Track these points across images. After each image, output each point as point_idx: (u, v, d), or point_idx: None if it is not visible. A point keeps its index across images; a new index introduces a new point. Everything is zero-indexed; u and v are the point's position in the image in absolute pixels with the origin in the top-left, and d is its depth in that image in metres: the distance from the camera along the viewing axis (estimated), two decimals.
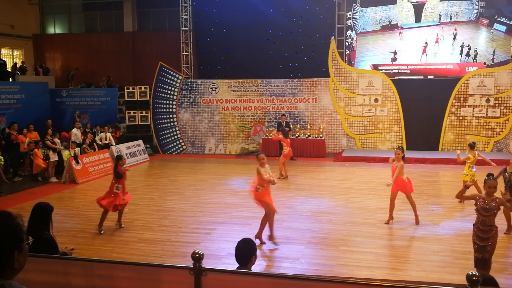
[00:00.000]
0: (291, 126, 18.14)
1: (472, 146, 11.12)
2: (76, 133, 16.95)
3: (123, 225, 9.49)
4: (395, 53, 18.61)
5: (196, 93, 19.77)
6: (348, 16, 18.94)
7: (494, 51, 17.85)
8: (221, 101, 19.68)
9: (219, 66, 20.98)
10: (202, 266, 3.09)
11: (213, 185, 13.30)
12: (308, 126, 18.79)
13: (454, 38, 18.06)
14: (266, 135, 18.72)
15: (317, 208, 10.79)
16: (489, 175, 6.57)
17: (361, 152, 18.07)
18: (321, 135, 18.49)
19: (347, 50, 19.11)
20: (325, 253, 8.07)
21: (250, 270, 4.02)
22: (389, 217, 9.47)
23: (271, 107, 19.41)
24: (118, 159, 9.46)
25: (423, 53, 18.37)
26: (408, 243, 8.40)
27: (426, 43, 18.27)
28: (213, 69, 21.12)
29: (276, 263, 7.49)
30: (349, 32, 19.03)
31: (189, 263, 3.10)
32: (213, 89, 19.70)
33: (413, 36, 18.47)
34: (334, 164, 16.86)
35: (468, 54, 18.01)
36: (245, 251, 4.06)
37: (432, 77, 18.39)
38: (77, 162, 14.42)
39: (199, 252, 3.12)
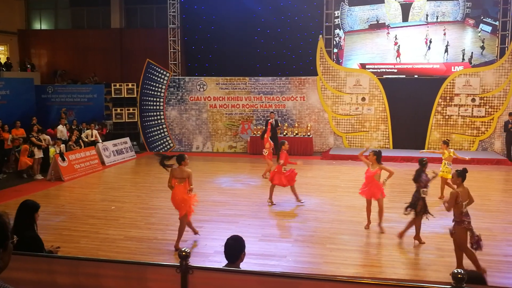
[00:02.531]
0: (280, 124, 18.18)
1: (446, 143, 11.37)
2: (62, 130, 16.81)
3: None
4: (398, 49, 18.64)
5: (183, 91, 19.70)
6: (336, 15, 19.00)
7: (482, 51, 18.05)
8: (209, 98, 19.63)
9: (207, 63, 20.93)
10: (189, 264, 3.08)
11: (201, 183, 13.25)
12: (296, 124, 18.84)
13: (443, 37, 18.20)
14: (254, 133, 18.72)
15: (304, 206, 10.82)
16: (457, 171, 6.95)
17: (348, 150, 18.15)
18: (308, 133, 18.54)
19: (335, 48, 19.17)
20: (312, 250, 8.10)
21: (239, 267, 4.02)
22: (368, 222, 9.23)
23: (259, 105, 19.41)
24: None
25: (398, 56, 18.50)
26: (394, 241, 8.46)
27: (399, 45, 18.39)
28: (201, 67, 21.06)
29: (263, 261, 7.50)
30: (337, 31, 19.10)
31: (176, 261, 3.09)
32: (201, 86, 19.65)
33: (400, 35, 18.58)
34: (322, 162, 16.91)
35: (454, 54, 18.17)
36: (234, 248, 4.06)
37: (418, 76, 18.53)
38: (63, 159, 14.28)
39: (186, 250, 3.12)
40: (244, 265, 4.10)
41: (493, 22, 17.84)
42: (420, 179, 8.32)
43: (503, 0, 17.62)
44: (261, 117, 19.33)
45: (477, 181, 12.79)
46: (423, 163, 8.52)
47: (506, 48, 17.54)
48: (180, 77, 20.10)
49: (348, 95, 18.70)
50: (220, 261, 4.41)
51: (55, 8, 25.62)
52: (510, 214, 10.27)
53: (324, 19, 19.14)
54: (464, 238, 6.62)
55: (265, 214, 10.20)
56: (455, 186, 7.01)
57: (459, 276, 2.61)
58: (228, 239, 4.11)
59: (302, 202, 11.06)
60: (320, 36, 18.87)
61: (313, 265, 7.45)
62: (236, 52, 20.02)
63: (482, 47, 18.04)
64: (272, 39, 19.86)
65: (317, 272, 7.05)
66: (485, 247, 6.56)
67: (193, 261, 3.17)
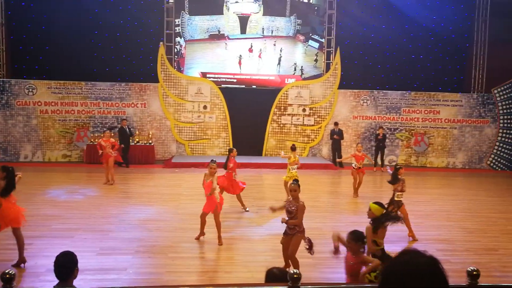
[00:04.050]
0: (133, 132, 17.70)
1: (293, 148, 12.18)
2: None
3: None
4: (240, 58, 19.20)
5: (9, 94, 17.79)
6: (177, 23, 19.01)
7: (315, 64, 19.68)
8: (39, 103, 18.04)
9: (37, 65, 19.10)
10: (15, 287, 2.73)
11: (30, 196, 12.06)
12: (137, 132, 18.32)
13: (280, 51, 19.38)
14: (91, 141, 17.72)
15: (146, 216, 10.54)
16: (295, 180, 7.23)
17: (191, 158, 18.25)
18: (150, 141, 18.18)
19: (176, 56, 19.16)
20: (154, 261, 7.91)
21: (72, 284, 3.74)
22: (200, 233, 8.94)
23: (96, 111, 18.44)
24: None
25: (239, 65, 19.33)
26: (235, 246, 8.69)
27: (241, 55, 19.25)
28: (30, 69, 19.14)
29: (101, 276, 7.08)
30: (178, 39, 19.11)
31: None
32: (30, 90, 17.98)
33: (239, 46, 19.33)
34: (164, 171, 16.72)
35: (287, 67, 19.53)
36: (65, 264, 3.76)
37: (256, 87, 19.49)
38: None
39: (10, 272, 2.76)
40: (79, 282, 3.81)
41: (320, 39, 19.62)
42: (397, 182, 9.09)
43: (328, 20, 19.49)
44: (98, 124, 18.39)
45: (308, 184, 13.83)
46: (397, 167, 9.41)
47: (331, 63, 19.40)
48: (4, 79, 18.11)
49: (190, 103, 18.82)
50: (52, 280, 4.03)
51: None
52: (337, 214, 11.32)
53: (165, 26, 18.99)
54: (298, 246, 6.98)
55: (104, 227, 9.68)
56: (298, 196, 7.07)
57: (295, 276, 2.73)
58: (57, 256, 3.80)
59: (247, 210, 11.14)
60: (161, 43, 18.68)
61: (155, 276, 7.27)
62: (71, 55, 18.66)
63: (316, 60, 19.69)
64: (111, 43, 18.98)
65: (159, 283, 6.90)
66: (317, 245, 7.08)
67: (23, 282, 2.82)
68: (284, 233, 7.11)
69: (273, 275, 3.99)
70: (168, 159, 18.31)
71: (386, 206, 8.90)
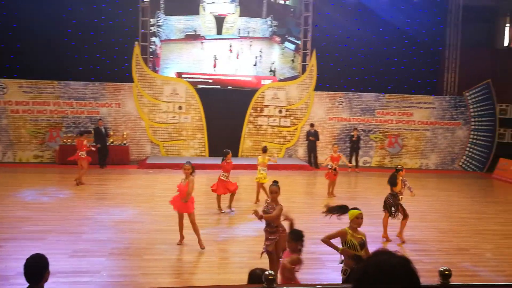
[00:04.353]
0: (108, 132, 17.44)
1: (264, 150, 12.17)
2: None
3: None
4: (215, 60, 19.11)
5: None
6: (152, 23, 18.84)
7: (292, 65, 19.75)
8: (10, 103, 17.63)
9: (8, 64, 18.61)
10: None
11: (0, 197, 11.80)
12: (111, 132, 18.05)
13: (260, 52, 19.39)
14: (64, 141, 17.40)
15: (120, 218, 10.40)
16: (275, 182, 7.19)
17: (166, 159, 18.09)
18: (124, 142, 17.95)
19: (151, 56, 18.97)
20: (128, 263, 7.80)
21: None
22: (181, 238, 8.74)
23: (69, 111, 18.12)
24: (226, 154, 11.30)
25: (214, 67, 19.27)
26: (211, 247, 8.64)
27: (215, 56, 19.19)
28: (1, 67, 18.65)
29: (74, 279, 6.95)
30: (153, 39, 18.93)
31: None
32: (0, 89, 17.55)
33: (215, 47, 19.27)
34: (138, 172, 16.54)
35: (263, 68, 19.56)
36: (36, 267, 3.67)
37: (232, 87, 19.45)
38: None
39: None
40: (51, 285, 3.73)
41: (296, 41, 19.71)
42: (395, 183, 9.28)
43: (304, 22, 19.60)
44: (71, 124, 18.07)
45: (284, 185, 13.79)
46: (397, 169, 9.50)
47: (307, 65, 19.50)
48: None
49: (165, 103, 18.66)
50: (23, 284, 3.94)
51: None
52: (312, 215, 11.34)
53: (140, 26, 18.78)
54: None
55: (77, 229, 9.51)
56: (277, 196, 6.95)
57: (270, 277, 2.72)
58: (27, 259, 3.72)
59: (232, 210, 11.18)
60: (136, 42, 18.48)
61: (129, 278, 7.18)
62: (43, 54, 18.28)
63: (293, 60, 19.77)
64: (85, 42, 18.65)
65: (134, 285, 6.81)
66: None
67: None
68: (265, 249, 6.72)
69: (256, 275, 3.99)
70: (142, 160, 18.12)
71: (393, 210, 9.27)
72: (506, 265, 8.40)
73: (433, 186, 16.43)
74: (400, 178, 9.43)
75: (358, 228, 5.78)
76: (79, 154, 13.76)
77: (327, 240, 5.79)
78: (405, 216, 9.40)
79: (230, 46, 19.28)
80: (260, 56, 19.47)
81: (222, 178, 11.14)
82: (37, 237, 8.83)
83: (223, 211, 11.15)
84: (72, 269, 7.29)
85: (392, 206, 9.39)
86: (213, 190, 11.22)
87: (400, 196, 9.40)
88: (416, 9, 19.90)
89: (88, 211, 10.83)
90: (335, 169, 13.10)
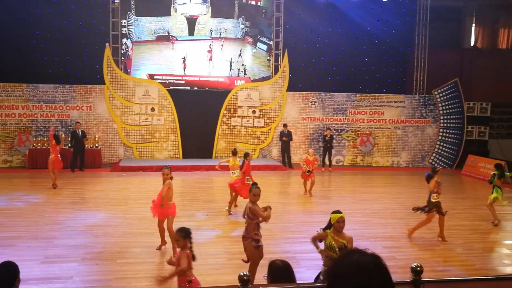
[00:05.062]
0: (86, 135, 17.13)
1: (233, 153, 12.11)
2: None
3: None
4: (184, 60, 18.99)
5: None
6: (123, 24, 18.63)
7: (268, 64, 19.80)
8: None
9: None
10: None
11: None
12: (88, 137, 17.73)
13: (239, 53, 19.35)
14: (34, 146, 17.06)
15: (93, 222, 10.26)
16: (254, 184, 7.20)
17: (139, 161, 17.94)
18: (96, 145, 17.71)
19: (122, 58, 18.76)
20: (101, 268, 7.70)
21: None
22: (162, 242, 8.59)
23: (39, 114, 17.77)
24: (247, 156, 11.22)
25: (184, 68, 19.14)
26: None
27: (184, 58, 19.08)
28: None
29: (45, 285, 6.83)
30: (124, 40, 18.73)
31: None
32: None
33: (187, 48, 19.17)
34: (111, 175, 16.34)
35: (236, 69, 19.57)
36: (5, 275, 3.60)
37: (206, 88, 19.39)
38: None
39: None
40: None
41: (268, 42, 19.79)
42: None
43: (276, 22, 19.70)
44: (41, 127, 17.72)
45: (258, 185, 13.90)
46: (435, 170, 9.72)
47: (279, 66, 19.60)
48: None
49: (137, 105, 18.48)
50: None
51: None
52: (287, 214, 11.44)
53: (111, 27, 18.55)
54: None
55: (48, 234, 9.34)
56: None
57: (245, 278, 2.74)
58: None
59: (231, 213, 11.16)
60: (107, 44, 18.24)
61: (103, 283, 7.09)
62: (11, 56, 17.87)
63: (269, 60, 19.80)
64: (54, 44, 18.32)
65: None
66: (267, 246, 7.11)
67: None
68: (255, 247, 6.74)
69: (275, 266, 4.11)
70: (115, 162, 17.90)
71: (421, 207, 9.50)
72: (476, 259, 8.62)
73: (404, 183, 16.72)
74: (435, 178, 9.65)
75: (345, 232, 5.76)
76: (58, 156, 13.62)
77: (312, 240, 5.90)
78: (440, 215, 9.59)
79: (210, 47, 19.18)
80: (233, 56, 19.46)
81: (248, 182, 10.78)
82: (7, 243, 8.64)
83: (231, 213, 11.14)
84: (43, 276, 7.17)
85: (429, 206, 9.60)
86: (238, 193, 11.08)
87: (434, 195, 9.58)
88: (386, 10, 20.22)
89: (60, 215, 10.65)
90: (309, 172, 13.26)
